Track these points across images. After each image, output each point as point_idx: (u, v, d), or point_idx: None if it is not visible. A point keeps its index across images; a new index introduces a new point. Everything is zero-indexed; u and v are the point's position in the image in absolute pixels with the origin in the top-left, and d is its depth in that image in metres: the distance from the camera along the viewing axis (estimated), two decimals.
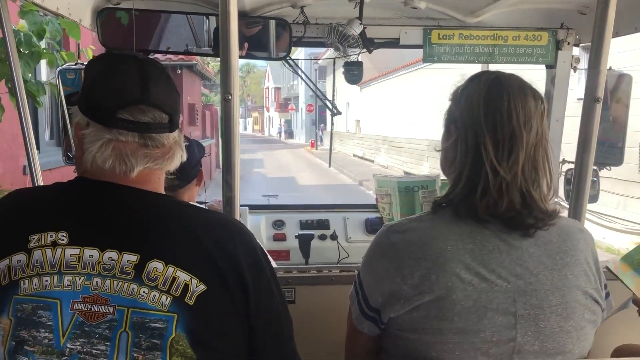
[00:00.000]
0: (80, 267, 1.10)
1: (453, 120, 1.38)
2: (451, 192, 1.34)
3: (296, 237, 3.05)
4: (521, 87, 1.33)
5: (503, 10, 2.81)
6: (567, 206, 2.01)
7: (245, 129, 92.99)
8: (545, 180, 1.32)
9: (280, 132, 60.18)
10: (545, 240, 1.29)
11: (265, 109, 75.94)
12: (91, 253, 1.11)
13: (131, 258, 1.11)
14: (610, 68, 2.96)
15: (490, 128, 1.28)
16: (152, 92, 1.19)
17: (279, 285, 1.28)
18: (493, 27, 2.94)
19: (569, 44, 3.01)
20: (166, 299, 1.10)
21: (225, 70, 1.71)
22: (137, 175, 1.19)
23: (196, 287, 1.12)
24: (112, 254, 1.11)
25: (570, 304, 1.26)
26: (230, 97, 1.70)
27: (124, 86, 1.19)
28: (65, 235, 1.12)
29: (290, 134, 57.70)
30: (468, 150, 1.31)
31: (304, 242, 2.98)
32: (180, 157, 1.27)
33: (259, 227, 3.27)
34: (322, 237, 3.24)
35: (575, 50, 3.10)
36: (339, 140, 35.03)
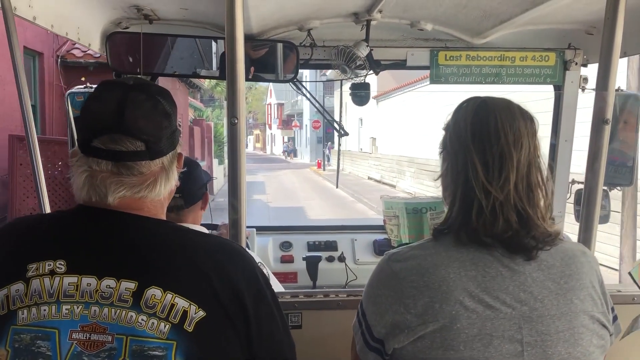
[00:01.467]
0: (79, 296, 1.09)
1: (444, 147, 1.38)
2: (448, 217, 1.33)
3: (303, 259, 3.03)
4: (508, 108, 1.32)
5: (510, 31, 2.81)
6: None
7: (246, 146, 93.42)
8: (543, 199, 1.30)
9: (286, 151, 56.60)
10: (548, 265, 1.27)
11: (267, 126, 72.94)
12: (89, 281, 1.10)
13: (129, 285, 1.10)
14: (618, 88, 2.96)
15: (479, 149, 1.28)
16: (127, 120, 1.17)
17: (282, 311, 1.27)
18: (500, 48, 2.94)
19: (576, 64, 3.01)
20: (165, 326, 1.08)
21: (232, 94, 1.71)
22: (122, 202, 1.19)
23: (195, 313, 1.10)
24: (109, 282, 1.10)
25: (578, 329, 1.24)
26: (236, 121, 1.71)
27: (99, 114, 1.19)
28: (63, 263, 1.12)
29: (293, 152, 54.74)
30: (459, 173, 1.31)
31: (311, 265, 2.96)
32: (167, 184, 1.26)
33: (266, 248, 3.25)
34: (330, 259, 3.21)
35: (584, 71, 3.09)
36: (350, 161, 32.02)
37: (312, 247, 3.26)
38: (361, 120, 31.52)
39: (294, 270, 3.17)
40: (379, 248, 3.25)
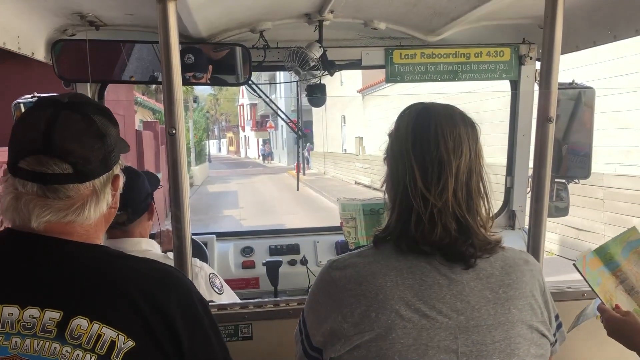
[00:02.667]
0: None
1: (387, 154, 1.37)
2: (389, 224, 1.32)
3: (263, 264, 2.99)
4: (449, 115, 1.31)
5: (464, 27, 2.80)
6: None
7: (219, 150, 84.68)
8: (484, 206, 1.29)
9: (263, 155, 52.09)
10: (487, 274, 1.26)
11: (240, 128, 67.42)
12: (10, 311, 1.06)
13: (53, 315, 1.05)
14: (573, 82, 2.97)
15: (418, 156, 1.27)
16: (55, 141, 1.13)
17: (220, 335, 1.24)
18: (454, 45, 2.94)
19: (531, 58, 3.02)
20: (90, 358, 1.05)
21: (169, 103, 1.67)
22: (48, 226, 1.14)
23: (124, 343, 1.07)
24: (33, 311, 1.06)
25: (514, 339, 1.22)
26: (174, 132, 1.67)
27: (27, 135, 1.15)
28: None
29: (270, 156, 50.46)
30: (399, 179, 1.29)
31: (272, 270, 2.92)
32: (97, 208, 1.21)
33: (227, 254, 3.21)
34: (292, 263, 3.18)
35: (539, 65, 3.10)
36: (333, 163, 28.81)
37: (273, 251, 3.23)
38: (344, 118, 28.75)
39: (255, 275, 3.13)
40: (341, 249, 3.23)
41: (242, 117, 62.67)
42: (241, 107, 61.05)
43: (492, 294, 1.24)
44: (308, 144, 33.04)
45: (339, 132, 30.03)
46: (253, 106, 54.20)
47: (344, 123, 28.76)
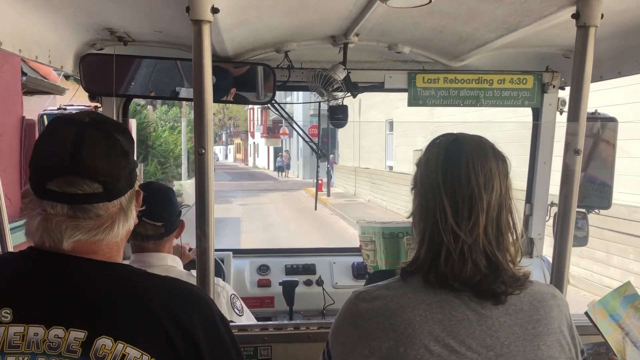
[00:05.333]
0: (25, 346, 1.05)
1: (415, 185, 1.36)
2: (417, 256, 1.31)
3: (280, 284, 2.98)
4: (481, 148, 1.30)
5: (488, 54, 2.81)
6: None
7: (226, 157, 78.28)
8: (512, 242, 1.28)
9: (280, 167, 42.52)
10: (516, 309, 1.25)
11: (249, 134, 60.19)
12: (36, 331, 1.06)
13: (78, 335, 1.06)
14: (595, 111, 2.96)
15: (449, 190, 1.26)
16: (83, 161, 1.13)
17: (241, 353, 1.24)
18: (478, 71, 2.94)
19: (554, 87, 3.01)
20: None
21: (200, 122, 1.68)
22: (77, 246, 1.14)
23: None
24: (58, 331, 1.06)
25: None
26: (204, 151, 1.68)
27: (53, 155, 1.14)
28: (9, 312, 1.07)
29: (288, 167, 41.76)
30: (428, 213, 1.28)
31: (288, 289, 2.91)
32: (125, 225, 1.22)
33: (243, 272, 3.20)
34: (308, 283, 3.17)
35: (562, 93, 3.09)
36: (370, 183, 21.58)
37: (289, 270, 3.22)
38: (390, 124, 20.62)
39: (270, 294, 3.12)
40: (358, 271, 3.21)
41: (251, 121, 55.85)
42: (251, 110, 53.34)
43: (521, 329, 1.23)
44: (332, 156, 26.46)
45: (381, 143, 21.92)
46: (264, 110, 44.43)
47: (390, 130, 20.91)
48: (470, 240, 1.23)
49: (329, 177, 23.94)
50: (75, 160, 1.13)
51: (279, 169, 42.55)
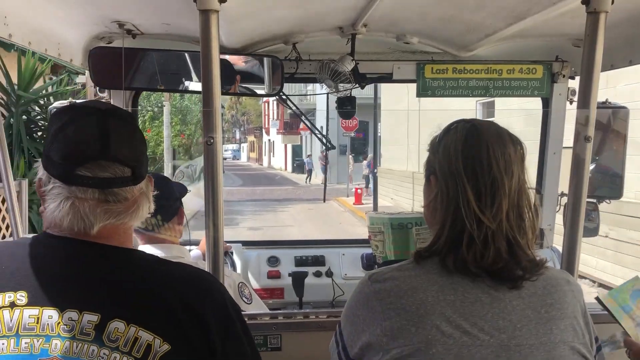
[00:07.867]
0: (39, 329, 1.06)
1: (432, 172, 1.36)
2: (435, 242, 1.31)
3: (289, 275, 2.99)
4: (499, 134, 1.31)
5: (497, 44, 2.79)
6: None
7: (239, 157, 69.32)
8: (530, 226, 1.29)
9: (310, 170, 33.27)
10: (529, 292, 1.25)
11: (264, 130, 52.79)
12: (50, 313, 1.07)
13: (92, 318, 1.07)
14: (606, 101, 2.94)
15: (471, 178, 1.26)
16: (113, 146, 1.16)
17: (253, 341, 1.25)
18: (487, 61, 2.93)
19: (564, 76, 2.99)
20: None
21: (208, 111, 1.69)
22: (99, 231, 1.16)
23: (159, 347, 1.08)
24: (72, 314, 1.07)
25: (556, 359, 1.20)
26: (212, 141, 1.68)
27: (82, 142, 1.16)
28: (24, 295, 1.09)
29: (323, 170, 26.87)
30: (450, 201, 1.28)
31: (297, 281, 2.92)
32: (147, 208, 1.25)
33: (253, 263, 3.21)
34: (318, 274, 3.18)
35: (572, 83, 3.07)
36: (403, 188, 17.05)
37: (299, 262, 3.23)
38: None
39: (280, 285, 3.13)
40: (367, 263, 3.21)
41: (266, 116, 48.45)
42: (266, 103, 45.50)
43: (534, 313, 1.23)
44: (370, 155, 21.59)
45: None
46: (281, 103, 29.26)
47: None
48: (494, 226, 1.24)
49: (367, 182, 19.56)
50: (106, 145, 1.16)
51: (309, 172, 33.44)
